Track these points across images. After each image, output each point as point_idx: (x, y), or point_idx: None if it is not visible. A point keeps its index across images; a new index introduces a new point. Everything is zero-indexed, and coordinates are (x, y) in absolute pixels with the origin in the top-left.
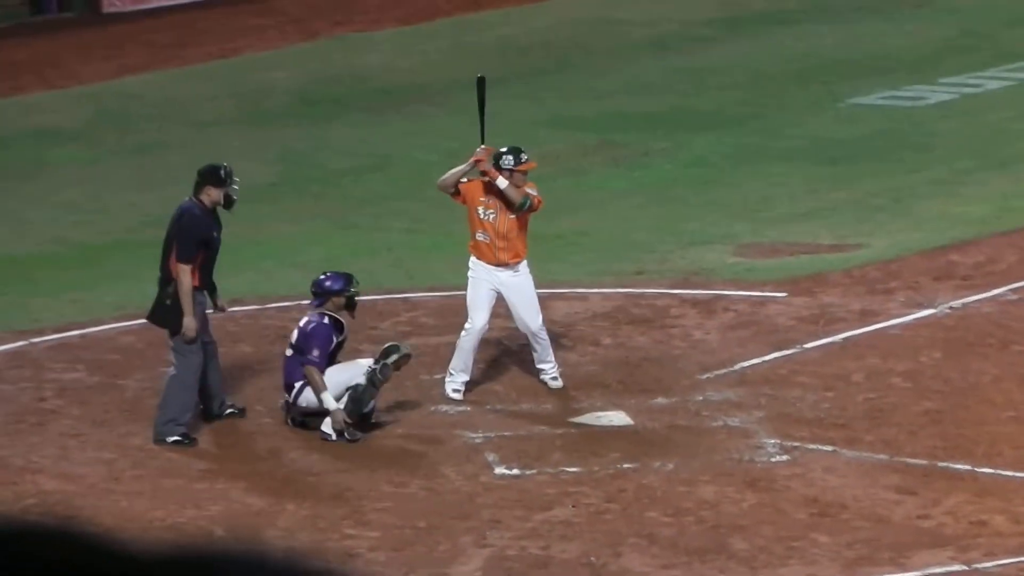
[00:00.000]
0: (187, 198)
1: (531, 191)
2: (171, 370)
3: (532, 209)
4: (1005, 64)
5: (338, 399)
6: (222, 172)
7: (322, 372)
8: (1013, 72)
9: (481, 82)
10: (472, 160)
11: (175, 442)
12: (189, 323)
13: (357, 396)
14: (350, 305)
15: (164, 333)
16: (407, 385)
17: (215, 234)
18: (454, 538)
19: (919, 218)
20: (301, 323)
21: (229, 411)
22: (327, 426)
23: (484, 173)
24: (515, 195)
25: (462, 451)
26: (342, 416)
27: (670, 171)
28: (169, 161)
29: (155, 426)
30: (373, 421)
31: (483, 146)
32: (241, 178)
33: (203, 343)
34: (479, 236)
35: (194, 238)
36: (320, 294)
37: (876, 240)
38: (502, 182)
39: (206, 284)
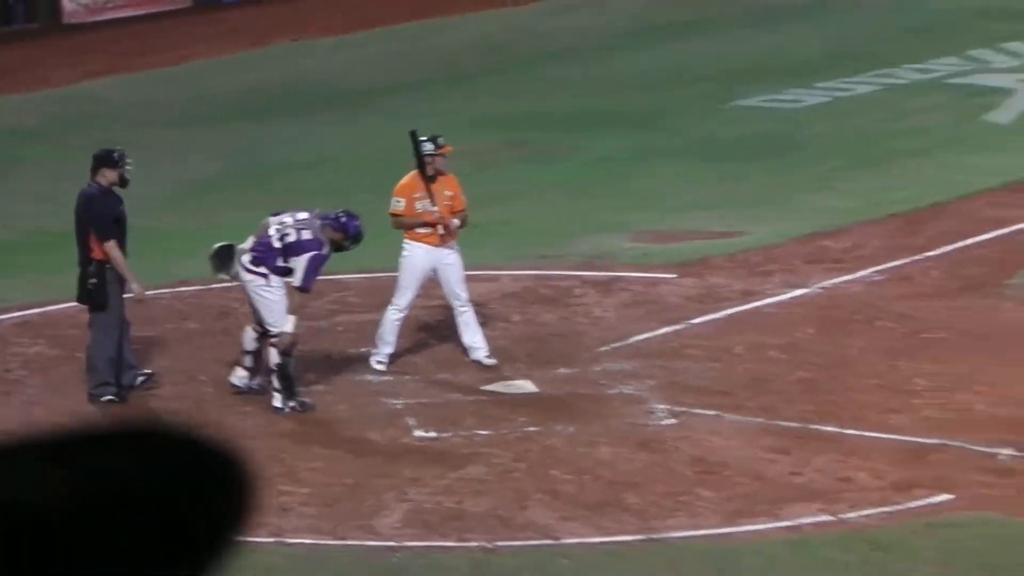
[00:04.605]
0: (87, 184)
1: (450, 190)
2: (90, 341)
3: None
4: (874, 70)
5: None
6: (115, 155)
7: None
8: (880, 78)
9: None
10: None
11: (108, 400)
12: (137, 287)
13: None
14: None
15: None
16: (336, 358)
17: (122, 210)
18: (378, 494)
19: (796, 209)
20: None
21: (142, 379)
22: (278, 402)
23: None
24: (462, 222)
25: (385, 416)
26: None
27: (577, 166)
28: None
29: (88, 388)
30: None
31: (438, 212)
32: (190, 173)
33: (122, 320)
34: (420, 230)
35: (108, 218)
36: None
37: (757, 228)
38: (453, 223)
39: None
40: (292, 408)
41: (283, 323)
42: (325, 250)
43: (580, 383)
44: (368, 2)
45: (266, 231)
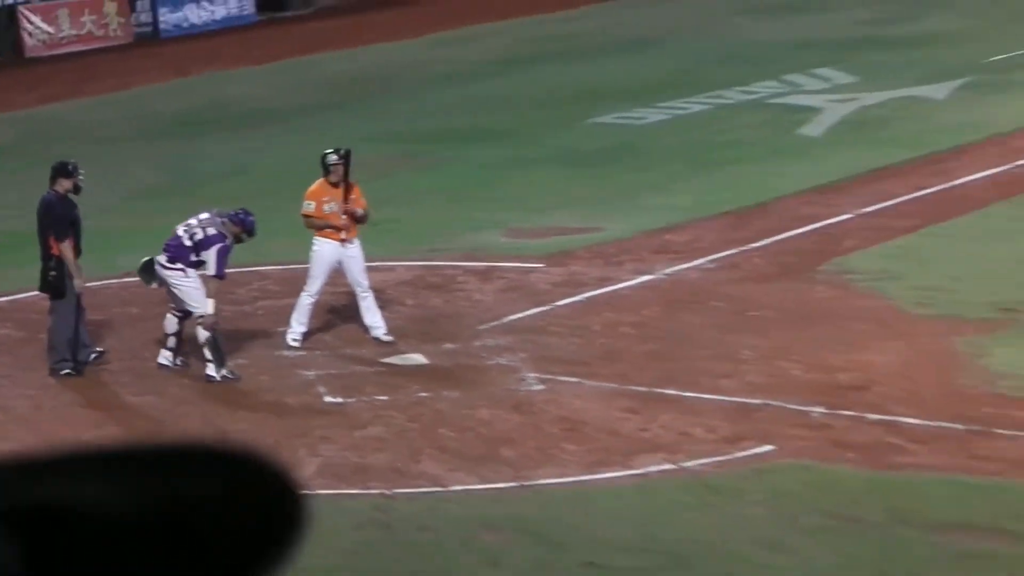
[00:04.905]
0: (46, 192)
1: (352, 194)
2: (50, 324)
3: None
4: (706, 92)
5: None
6: (70, 166)
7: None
8: (711, 99)
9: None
10: (342, 221)
11: (67, 374)
12: (79, 283)
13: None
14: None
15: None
16: (259, 336)
17: (77, 213)
18: (294, 451)
19: (644, 207)
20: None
21: (94, 356)
22: (211, 371)
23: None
24: (364, 216)
25: (300, 385)
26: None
27: (460, 173)
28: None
29: (49, 364)
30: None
31: (344, 215)
32: (134, 182)
33: (78, 306)
34: (328, 229)
35: (64, 221)
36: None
37: (612, 224)
38: (358, 211)
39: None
40: (223, 377)
41: (205, 306)
42: (228, 241)
43: (463, 356)
44: (280, 38)
45: (175, 234)
